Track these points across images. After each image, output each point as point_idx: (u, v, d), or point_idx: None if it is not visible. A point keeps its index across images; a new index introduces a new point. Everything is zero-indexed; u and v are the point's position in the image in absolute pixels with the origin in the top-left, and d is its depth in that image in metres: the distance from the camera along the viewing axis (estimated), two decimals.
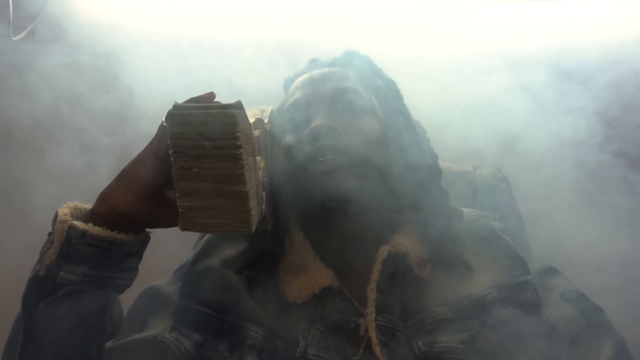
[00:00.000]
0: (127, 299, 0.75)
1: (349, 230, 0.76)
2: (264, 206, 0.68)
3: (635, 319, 0.80)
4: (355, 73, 0.84)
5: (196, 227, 0.61)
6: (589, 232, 0.91)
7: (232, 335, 0.71)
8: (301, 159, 0.75)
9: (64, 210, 0.65)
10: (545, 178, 1.03)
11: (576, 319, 0.72)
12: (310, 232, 0.80)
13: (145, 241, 0.69)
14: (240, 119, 0.57)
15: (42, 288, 0.63)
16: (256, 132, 0.67)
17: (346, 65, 0.86)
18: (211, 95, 0.64)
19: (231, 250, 0.80)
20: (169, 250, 0.95)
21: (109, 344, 0.72)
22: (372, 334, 0.68)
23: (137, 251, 0.68)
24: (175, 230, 0.65)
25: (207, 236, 0.85)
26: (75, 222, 0.63)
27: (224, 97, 0.62)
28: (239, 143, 0.57)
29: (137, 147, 0.67)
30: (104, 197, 0.65)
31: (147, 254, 0.70)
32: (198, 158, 0.58)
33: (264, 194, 0.68)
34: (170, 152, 0.58)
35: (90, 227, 0.63)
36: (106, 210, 0.64)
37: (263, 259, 0.79)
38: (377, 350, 0.67)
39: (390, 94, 0.85)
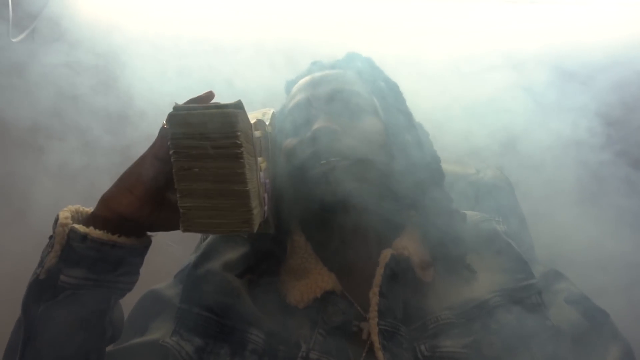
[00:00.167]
0: (128, 303, 0.74)
1: (351, 233, 0.76)
2: (266, 208, 0.68)
3: (638, 320, 0.80)
4: (357, 75, 0.84)
5: (197, 227, 0.60)
6: (591, 232, 0.91)
7: (234, 339, 0.71)
8: (303, 161, 0.75)
9: (64, 214, 0.64)
10: (547, 179, 1.03)
11: (581, 323, 0.71)
12: (312, 235, 0.79)
13: (146, 245, 0.68)
14: (241, 119, 0.57)
15: (42, 292, 0.63)
16: (257, 133, 0.66)
17: (348, 67, 0.85)
18: (210, 95, 0.64)
19: (232, 253, 0.80)
20: (170, 253, 0.95)
21: (109, 348, 0.71)
22: (375, 338, 0.68)
23: (138, 255, 0.68)
24: (176, 232, 0.65)
25: (208, 239, 0.84)
26: (76, 226, 0.63)
27: (224, 98, 0.62)
28: (239, 142, 0.56)
29: (137, 148, 0.67)
30: (105, 200, 0.65)
31: (148, 257, 0.70)
32: (199, 158, 0.57)
33: (266, 195, 0.68)
34: (171, 152, 0.58)
35: (91, 231, 0.63)
36: (107, 214, 0.64)
37: (264, 262, 0.78)
38: (380, 354, 0.67)
39: (392, 95, 0.85)
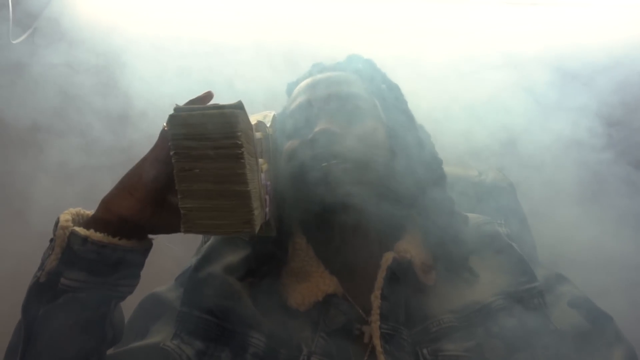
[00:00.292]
0: (128, 306, 0.74)
1: (353, 236, 0.75)
2: (267, 209, 0.68)
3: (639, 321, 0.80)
4: (359, 77, 0.83)
5: (198, 228, 0.60)
6: (592, 233, 0.91)
7: (235, 342, 0.71)
8: (304, 163, 0.75)
9: (65, 216, 0.64)
10: (548, 179, 1.03)
11: (584, 327, 0.71)
12: (313, 237, 0.79)
13: (147, 247, 0.68)
14: (241, 119, 0.57)
15: (42, 294, 0.62)
16: (258, 135, 0.66)
17: (349, 69, 0.85)
18: (209, 95, 0.64)
19: (233, 256, 0.79)
20: (171, 256, 0.94)
21: (110, 352, 0.71)
22: (377, 342, 0.68)
23: (139, 258, 0.67)
24: (177, 234, 0.64)
25: (209, 242, 0.84)
26: (77, 228, 0.62)
27: (224, 100, 0.62)
28: (240, 142, 0.56)
29: (137, 148, 0.67)
30: (106, 203, 0.65)
31: (149, 259, 0.70)
32: (199, 159, 0.57)
33: (267, 197, 0.68)
34: (172, 153, 0.58)
35: (92, 233, 0.62)
36: (108, 216, 0.64)
37: (266, 265, 0.78)
38: (382, 358, 0.67)
39: (393, 97, 0.84)
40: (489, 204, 0.94)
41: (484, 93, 1.05)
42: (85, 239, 0.62)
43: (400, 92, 0.86)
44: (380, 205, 0.73)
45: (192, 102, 0.63)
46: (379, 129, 0.78)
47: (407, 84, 0.89)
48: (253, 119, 0.68)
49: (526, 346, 0.67)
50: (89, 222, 0.64)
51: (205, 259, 0.79)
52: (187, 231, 0.60)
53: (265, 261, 0.78)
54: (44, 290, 0.62)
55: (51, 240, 0.65)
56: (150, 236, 0.69)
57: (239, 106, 0.58)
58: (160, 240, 0.70)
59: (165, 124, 0.62)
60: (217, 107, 0.58)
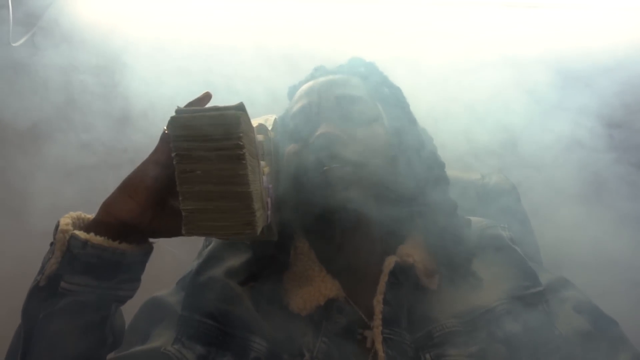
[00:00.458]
0: (129, 310, 0.74)
1: (355, 239, 0.75)
2: (269, 212, 0.67)
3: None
4: (361, 80, 0.83)
5: (200, 230, 0.59)
6: (593, 234, 0.90)
7: (236, 347, 0.70)
8: (305, 167, 0.74)
9: (65, 220, 0.64)
10: (550, 180, 1.03)
11: (589, 332, 0.70)
12: (315, 241, 0.79)
13: (147, 251, 0.68)
14: (243, 121, 0.57)
15: (42, 298, 0.62)
16: (259, 137, 0.66)
17: (351, 72, 0.85)
18: (207, 96, 0.64)
19: (235, 260, 0.79)
20: (172, 259, 0.94)
21: (110, 356, 0.70)
22: (379, 347, 0.67)
23: (139, 261, 0.67)
24: (178, 238, 0.64)
25: (210, 246, 0.83)
26: (77, 232, 0.62)
27: (225, 102, 0.62)
28: (241, 143, 0.56)
29: (137, 149, 0.67)
30: (107, 206, 0.64)
31: (149, 262, 0.69)
32: (201, 160, 0.57)
33: (269, 200, 0.67)
34: (173, 154, 0.57)
35: (92, 237, 0.62)
36: (108, 220, 0.64)
37: (267, 269, 0.78)
38: None
39: (395, 100, 0.84)
40: (492, 207, 0.93)
41: (484, 94, 1.05)
42: (85, 243, 0.61)
43: (402, 95, 0.85)
44: (382, 209, 0.73)
45: (190, 103, 0.63)
46: (381, 132, 0.78)
47: (408, 85, 0.88)
48: (254, 122, 0.68)
49: (530, 351, 0.67)
50: (89, 226, 0.64)
51: (207, 263, 0.78)
52: (188, 233, 0.59)
53: (267, 265, 0.78)
54: (44, 294, 0.62)
55: (51, 243, 0.64)
56: (150, 240, 0.68)
57: (241, 108, 0.57)
58: (160, 244, 0.70)
59: (165, 127, 0.62)
60: (219, 108, 0.57)
